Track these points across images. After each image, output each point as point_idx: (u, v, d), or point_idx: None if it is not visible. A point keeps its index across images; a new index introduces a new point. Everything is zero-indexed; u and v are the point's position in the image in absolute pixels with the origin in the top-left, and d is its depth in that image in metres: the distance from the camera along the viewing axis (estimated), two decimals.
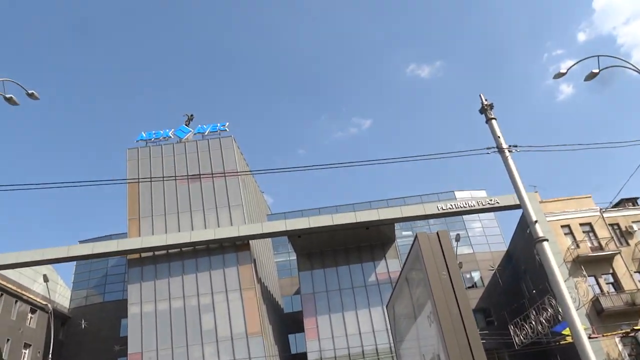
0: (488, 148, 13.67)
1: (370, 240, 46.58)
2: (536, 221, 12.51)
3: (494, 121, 14.35)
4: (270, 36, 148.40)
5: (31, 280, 47.79)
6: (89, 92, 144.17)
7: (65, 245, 41.58)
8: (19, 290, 44.24)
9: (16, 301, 43.77)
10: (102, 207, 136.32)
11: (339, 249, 47.02)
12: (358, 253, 46.99)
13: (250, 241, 43.72)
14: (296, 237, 44.53)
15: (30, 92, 19.16)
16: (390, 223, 44.32)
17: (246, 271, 42.51)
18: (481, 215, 53.92)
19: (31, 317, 46.11)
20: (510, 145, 13.78)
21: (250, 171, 52.18)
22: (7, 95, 18.19)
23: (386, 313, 9.25)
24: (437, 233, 5.82)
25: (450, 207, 42.99)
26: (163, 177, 46.33)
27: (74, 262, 54.29)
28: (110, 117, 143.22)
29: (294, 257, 51.02)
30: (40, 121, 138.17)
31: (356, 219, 42.48)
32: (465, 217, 53.84)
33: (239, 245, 43.52)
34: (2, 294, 41.86)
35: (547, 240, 12.28)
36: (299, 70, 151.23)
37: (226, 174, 46.06)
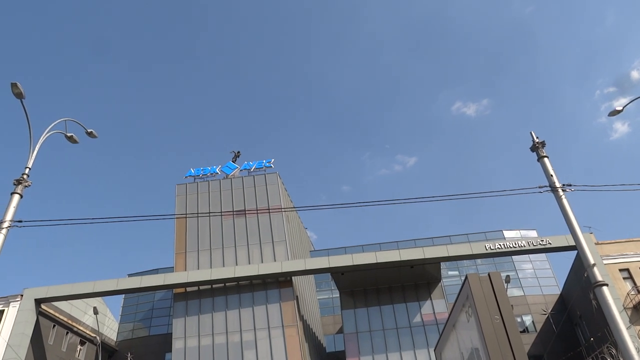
0: (540, 187, 13.25)
1: (415, 279, 45.45)
2: (594, 264, 11.87)
3: (546, 159, 13.95)
4: (315, 74, 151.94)
5: (82, 312, 49.15)
6: (140, 129, 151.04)
7: (115, 278, 42.74)
8: (70, 321, 45.55)
9: (67, 332, 45.02)
10: (151, 241, 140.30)
11: (383, 287, 46.07)
12: (402, 292, 45.86)
13: (293, 278, 43.58)
14: (339, 275, 44.05)
15: (89, 130, 20.23)
16: (436, 262, 43.19)
17: (289, 308, 42.19)
18: (532, 256, 51.81)
19: (80, 349, 47.17)
20: (564, 185, 13.30)
21: (294, 207, 52.59)
22: (68, 134, 19.29)
23: (432, 356, 8.93)
24: (489, 275, 5.67)
25: (499, 246, 41.52)
26: (209, 212, 47.32)
27: (123, 295, 55.62)
28: (161, 153, 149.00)
29: (336, 294, 50.34)
30: (94, 156, 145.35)
31: (400, 257, 41.65)
32: (515, 257, 51.87)
33: (281, 282, 43.42)
34: (54, 325, 43.21)
35: (606, 285, 11.61)
36: (343, 107, 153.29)
37: (270, 210, 46.56)
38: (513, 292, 49.59)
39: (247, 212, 46.90)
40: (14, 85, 14.89)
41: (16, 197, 13.81)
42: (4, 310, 39.75)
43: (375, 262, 41.64)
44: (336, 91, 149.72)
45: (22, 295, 39.88)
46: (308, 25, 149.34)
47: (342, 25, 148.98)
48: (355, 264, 41.81)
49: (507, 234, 55.07)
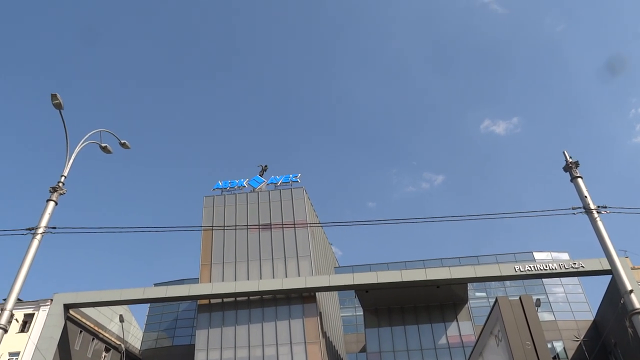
0: (574, 208, 12.86)
1: (441, 299, 44.57)
2: (631, 291, 11.40)
3: (579, 180, 13.58)
4: (343, 90, 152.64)
5: (108, 320, 49.89)
6: (171, 141, 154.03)
7: (141, 287, 43.30)
8: (96, 328, 46.27)
9: (93, 339, 45.72)
10: (178, 251, 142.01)
11: (408, 306, 45.32)
12: (428, 312, 45.00)
13: (316, 293, 43.31)
14: (363, 292, 43.57)
15: (122, 141, 20.69)
16: (463, 283, 42.30)
17: (311, 324, 41.87)
18: (564, 279, 50.21)
19: (105, 356, 47.79)
20: (598, 206, 12.89)
21: (320, 223, 52.49)
22: (103, 144, 19.77)
23: None
24: (520, 298, 5.56)
25: (529, 268, 40.41)
26: (235, 225, 47.66)
27: (148, 304, 56.26)
28: (191, 165, 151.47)
29: (360, 312, 49.74)
30: (125, 166, 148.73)
31: (426, 277, 40.96)
32: (545, 280, 50.38)
33: (305, 297, 43.20)
34: (81, 331, 43.96)
35: None
36: (370, 123, 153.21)
37: (296, 225, 46.57)
38: (543, 316, 48.02)
39: (272, 226, 47.03)
40: (53, 96, 15.40)
41: (51, 204, 14.18)
42: (34, 314, 40.69)
43: (400, 280, 41.06)
44: (364, 107, 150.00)
45: (51, 300, 40.77)
46: (337, 42, 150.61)
47: (370, 41, 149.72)
48: (380, 282, 41.30)
49: (538, 255, 53.63)
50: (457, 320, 44.17)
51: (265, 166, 53.94)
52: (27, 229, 13.41)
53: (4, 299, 13.42)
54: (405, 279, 40.98)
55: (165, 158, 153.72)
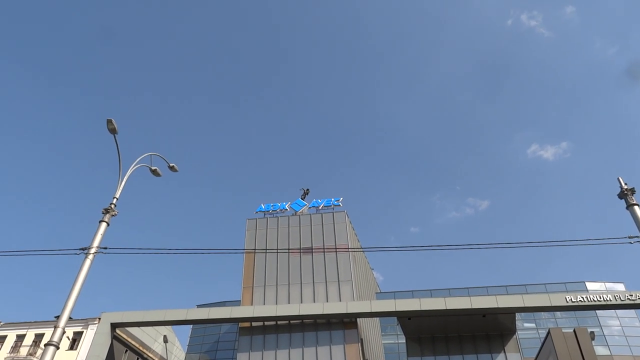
0: (631, 237, 12.21)
1: (487, 329, 42.92)
2: None
3: (636, 207, 12.94)
4: (387, 114, 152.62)
5: (152, 340, 50.76)
6: (217, 165, 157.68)
7: (184, 309, 43.92)
8: (141, 348, 47.11)
9: (138, 358, 46.53)
10: (221, 272, 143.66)
11: (452, 335, 43.86)
12: (473, 342, 43.38)
13: (358, 319, 42.64)
14: (406, 319, 42.53)
15: (171, 165, 21.34)
16: (511, 312, 40.58)
17: (352, 351, 41.13)
18: (619, 311, 47.47)
19: None
20: None
21: (362, 247, 52.01)
22: (153, 168, 20.44)
23: None
24: (574, 330, 5.30)
25: (582, 299, 38.37)
26: (277, 248, 47.90)
27: (191, 325, 56.94)
28: (235, 188, 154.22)
29: (402, 340, 48.53)
30: (173, 189, 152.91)
31: (472, 305, 39.59)
32: (599, 312, 47.78)
33: (346, 323, 42.60)
34: (126, 350, 44.85)
35: None
36: (414, 147, 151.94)
37: (337, 249, 46.32)
38: (598, 350, 45.26)
39: (314, 249, 46.96)
40: (109, 121, 16.13)
41: (103, 225, 14.72)
42: (82, 332, 41.93)
43: (444, 308, 39.86)
44: (407, 131, 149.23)
45: (99, 319, 41.92)
46: (381, 65, 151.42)
47: (414, 65, 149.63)
48: (423, 309, 40.25)
49: (591, 285, 51.09)
50: (504, 352, 42.32)
51: (307, 190, 54.32)
52: (80, 249, 13.94)
53: (56, 317, 13.90)
54: (449, 307, 39.76)
55: (210, 181, 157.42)
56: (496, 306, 39.34)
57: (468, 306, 39.55)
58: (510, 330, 43.10)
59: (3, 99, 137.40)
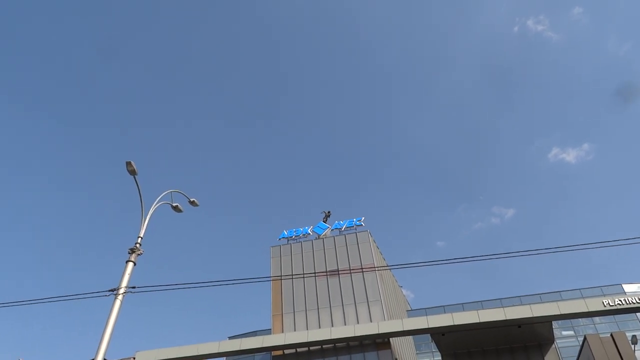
0: None
1: (524, 340, 41.80)
2: None
3: None
4: (401, 129, 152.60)
5: None
6: (232, 193, 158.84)
7: (216, 341, 43.87)
8: None
9: None
10: (248, 303, 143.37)
11: (489, 349, 42.81)
12: (511, 355, 42.25)
13: (390, 339, 42.01)
14: (439, 335, 41.72)
15: (191, 199, 21.68)
16: (547, 321, 39.50)
17: None
18: None
19: None
20: None
21: (388, 266, 51.47)
22: (174, 204, 20.80)
23: None
24: (612, 335, 5.14)
25: (620, 302, 37.13)
26: (303, 273, 47.80)
27: (224, 358, 56.64)
28: (254, 217, 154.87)
29: (438, 357, 47.57)
30: (193, 223, 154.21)
31: (506, 316, 38.69)
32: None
33: (379, 343, 42.00)
34: None
35: None
36: (432, 160, 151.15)
37: (364, 270, 46.00)
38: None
39: (340, 272, 46.73)
40: (128, 163, 16.54)
41: (130, 265, 14.97)
42: None
43: (478, 321, 39.02)
44: (424, 145, 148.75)
45: (134, 358, 42.12)
46: (393, 80, 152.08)
47: (425, 79, 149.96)
48: (456, 323, 39.45)
49: (628, 288, 49.55)
50: None
51: (329, 212, 54.32)
52: (109, 290, 14.18)
53: None
54: (482, 320, 38.92)
55: (229, 211, 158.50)
56: (531, 315, 38.36)
57: (502, 317, 38.67)
58: (548, 340, 41.90)
59: (17, 142, 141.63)
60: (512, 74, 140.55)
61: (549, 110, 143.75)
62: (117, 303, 13.73)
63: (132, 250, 15.36)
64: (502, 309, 40.34)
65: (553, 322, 41.09)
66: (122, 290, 14.03)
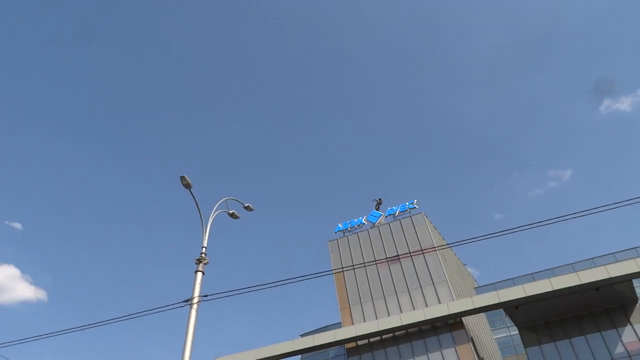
0: None
1: (604, 303, 39.96)
2: None
3: None
4: (439, 107, 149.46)
5: None
6: (282, 193, 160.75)
7: (289, 340, 44.61)
8: None
9: None
10: (313, 299, 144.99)
11: (568, 317, 41.21)
12: (593, 320, 40.49)
13: (462, 318, 41.28)
14: (513, 309, 40.53)
15: (246, 205, 22.09)
16: (626, 280, 37.59)
17: (465, 352, 39.76)
18: None
19: None
20: None
21: (448, 244, 50.59)
22: (230, 211, 21.25)
23: None
24: None
25: None
26: (364, 263, 47.75)
27: (299, 356, 57.56)
28: (307, 214, 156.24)
29: (515, 331, 46.39)
30: (248, 226, 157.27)
31: (580, 281, 37.12)
32: None
33: (451, 324, 41.37)
34: None
35: None
36: (476, 134, 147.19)
37: (424, 251, 45.42)
38: None
39: (400, 257, 46.37)
40: (182, 178, 17.01)
41: (199, 275, 15.42)
42: None
43: (551, 290, 37.66)
44: (465, 119, 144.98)
45: None
46: (425, 54, 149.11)
47: (458, 50, 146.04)
48: (528, 295, 38.28)
49: None
50: (631, 324, 39.10)
51: (380, 199, 54.01)
52: (184, 301, 14.66)
53: None
54: (556, 287, 37.53)
55: (282, 211, 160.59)
56: (608, 277, 36.64)
57: (577, 282, 37.13)
58: (632, 300, 39.86)
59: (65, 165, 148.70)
60: (545, 35, 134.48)
61: (594, 64, 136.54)
62: (193, 313, 14.16)
63: (199, 261, 15.80)
64: (575, 273, 38.73)
65: (634, 280, 39.09)
66: (195, 300, 14.47)
